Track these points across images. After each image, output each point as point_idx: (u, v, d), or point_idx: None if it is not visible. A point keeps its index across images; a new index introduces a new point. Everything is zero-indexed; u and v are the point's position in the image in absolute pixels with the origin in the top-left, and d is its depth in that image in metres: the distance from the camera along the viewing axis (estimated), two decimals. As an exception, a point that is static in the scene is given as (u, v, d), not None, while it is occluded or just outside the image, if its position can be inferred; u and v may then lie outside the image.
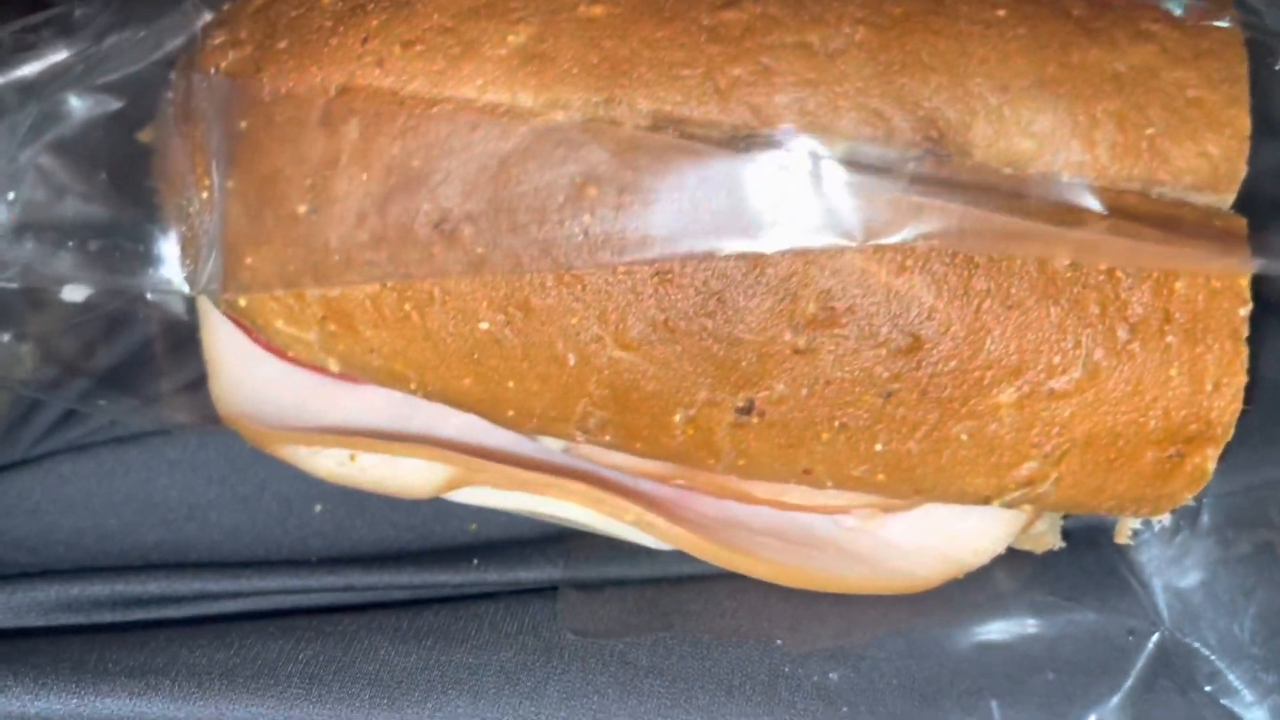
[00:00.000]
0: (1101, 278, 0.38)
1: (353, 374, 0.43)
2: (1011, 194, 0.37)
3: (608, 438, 0.42)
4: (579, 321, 0.39)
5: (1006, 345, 0.38)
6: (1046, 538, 0.48)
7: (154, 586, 0.50)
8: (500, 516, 0.54)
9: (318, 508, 0.54)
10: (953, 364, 0.38)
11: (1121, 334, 0.38)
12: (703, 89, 0.38)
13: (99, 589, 0.50)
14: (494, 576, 0.50)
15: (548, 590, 0.49)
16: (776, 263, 0.38)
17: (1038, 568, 0.49)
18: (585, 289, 0.39)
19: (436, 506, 0.55)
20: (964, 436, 0.39)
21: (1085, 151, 0.38)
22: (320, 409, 0.47)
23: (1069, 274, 0.38)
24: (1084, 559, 0.49)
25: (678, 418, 0.40)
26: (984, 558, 0.46)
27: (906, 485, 0.41)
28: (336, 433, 0.46)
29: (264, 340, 0.46)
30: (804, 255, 0.38)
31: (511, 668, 0.45)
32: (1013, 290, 0.38)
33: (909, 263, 0.38)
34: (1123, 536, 0.47)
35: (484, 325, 0.40)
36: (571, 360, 0.40)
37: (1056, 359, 0.38)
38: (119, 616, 0.50)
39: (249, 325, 0.44)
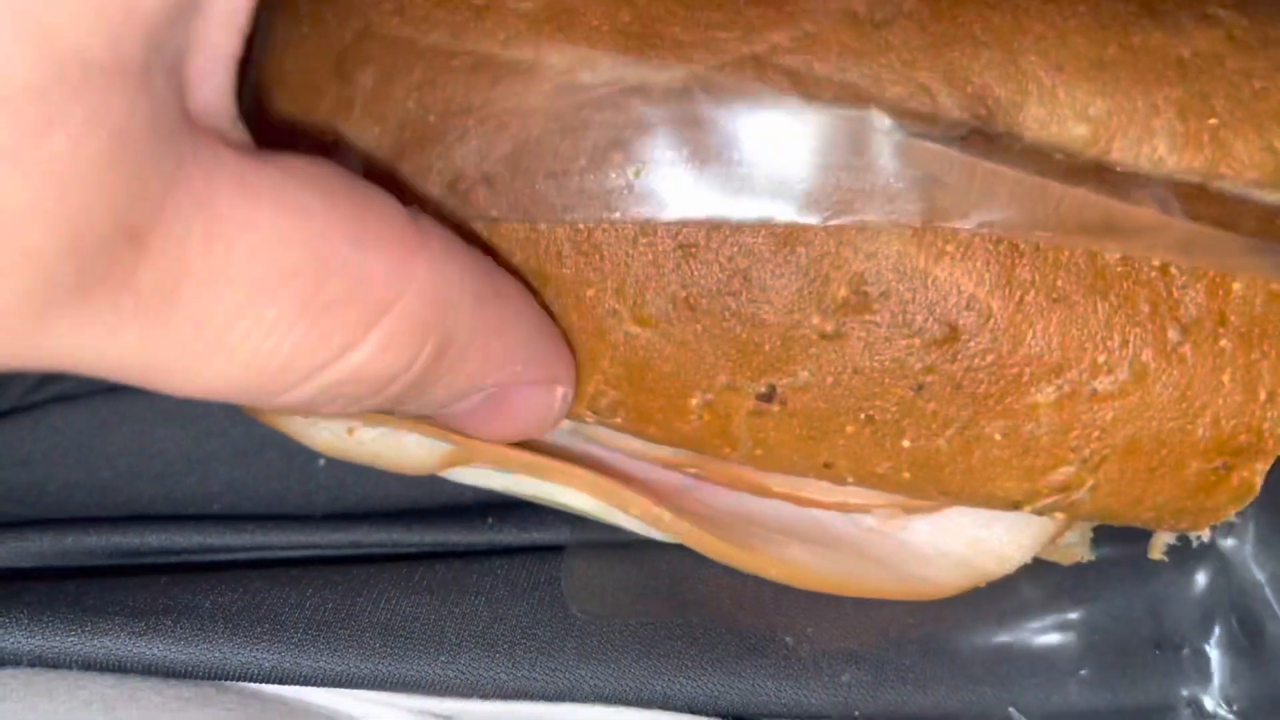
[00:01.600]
0: (1154, 274, 0.36)
1: None
2: (1066, 179, 0.35)
3: (619, 420, 0.40)
4: (595, 294, 0.37)
5: (1049, 340, 0.36)
6: (1076, 550, 0.45)
7: (153, 539, 0.48)
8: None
9: (322, 461, 0.52)
10: (990, 358, 0.36)
11: (1172, 335, 0.36)
12: (739, 53, 0.36)
13: (95, 540, 0.48)
14: (509, 537, 0.49)
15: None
16: (808, 242, 0.36)
17: (1064, 576, 0.47)
18: (604, 259, 0.37)
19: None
20: (997, 436, 0.37)
21: (1143, 140, 0.36)
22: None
23: (1120, 268, 0.36)
24: (1114, 571, 0.47)
25: (694, 402, 0.38)
26: (1008, 567, 0.43)
27: (933, 486, 0.39)
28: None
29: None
30: (837, 234, 0.36)
31: (527, 623, 0.43)
32: (1059, 282, 0.35)
33: (950, 248, 0.35)
34: (1156, 552, 0.44)
35: None
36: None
37: (1101, 358, 0.36)
38: (117, 563, 0.48)
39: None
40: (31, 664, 0.41)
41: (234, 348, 0.25)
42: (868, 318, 0.36)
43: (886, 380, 0.37)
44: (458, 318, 0.31)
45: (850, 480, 0.39)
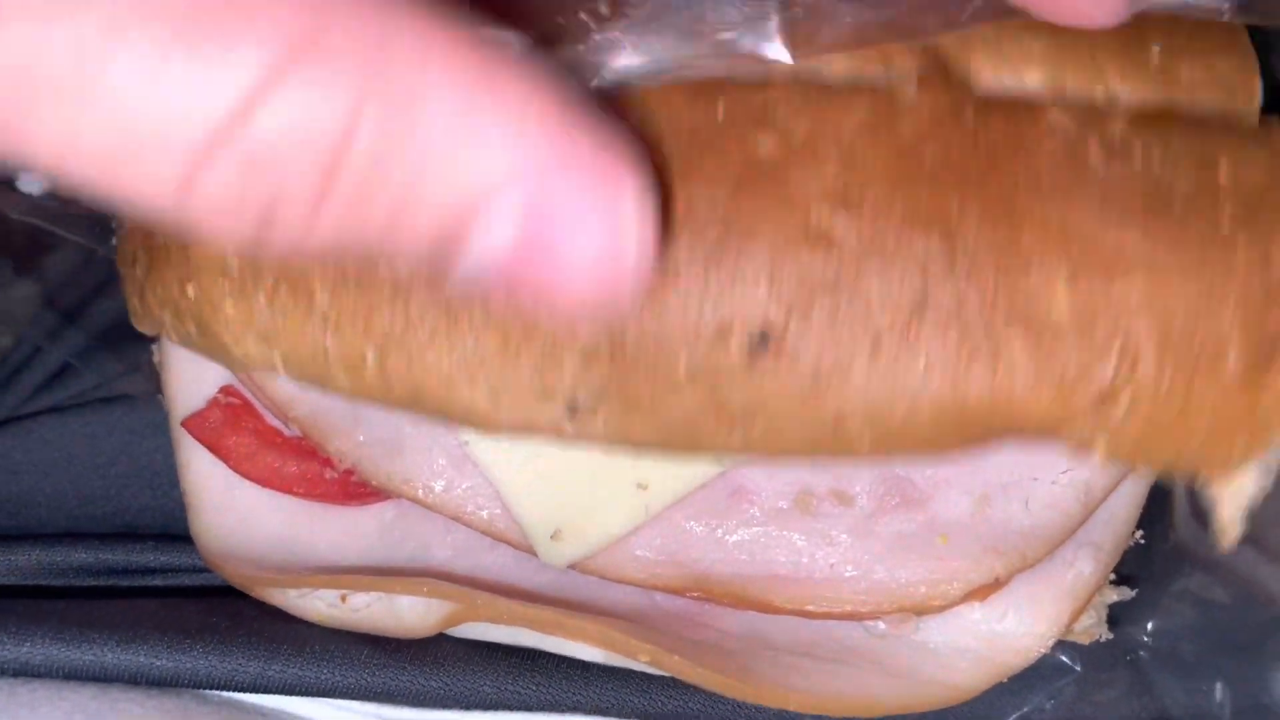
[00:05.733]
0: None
1: (301, 379, 0.37)
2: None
3: (602, 420, 0.34)
4: None
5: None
6: (1094, 629, 0.44)
7: (142, 557, 0.48)
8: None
9: None
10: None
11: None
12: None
13: (83, 555, 0.48)
14: None
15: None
16: None
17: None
18: None
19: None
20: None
21: (1095, 76, 0.35)
22: (308, 538, 0.44)
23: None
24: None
25: (682, 365, 0.33)
26: (1027, 658, 0.42)
27: (956, 431, 0.33)
28: (325, 570, 0.43)
29: (240, 463, 0.44)
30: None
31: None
32: None
33: None
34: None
35: None
36: None
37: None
38: (104, 582, 0.48)
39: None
40: (15, 674, 0.41)
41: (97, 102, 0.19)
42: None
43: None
44: (423, 70, 0.21)
45: (864, 443, 0.34)
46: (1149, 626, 0.46)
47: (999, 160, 0.33)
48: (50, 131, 0.20)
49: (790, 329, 0.33)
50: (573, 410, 0.34)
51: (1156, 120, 0.34)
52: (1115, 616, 0.45)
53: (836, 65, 0.34)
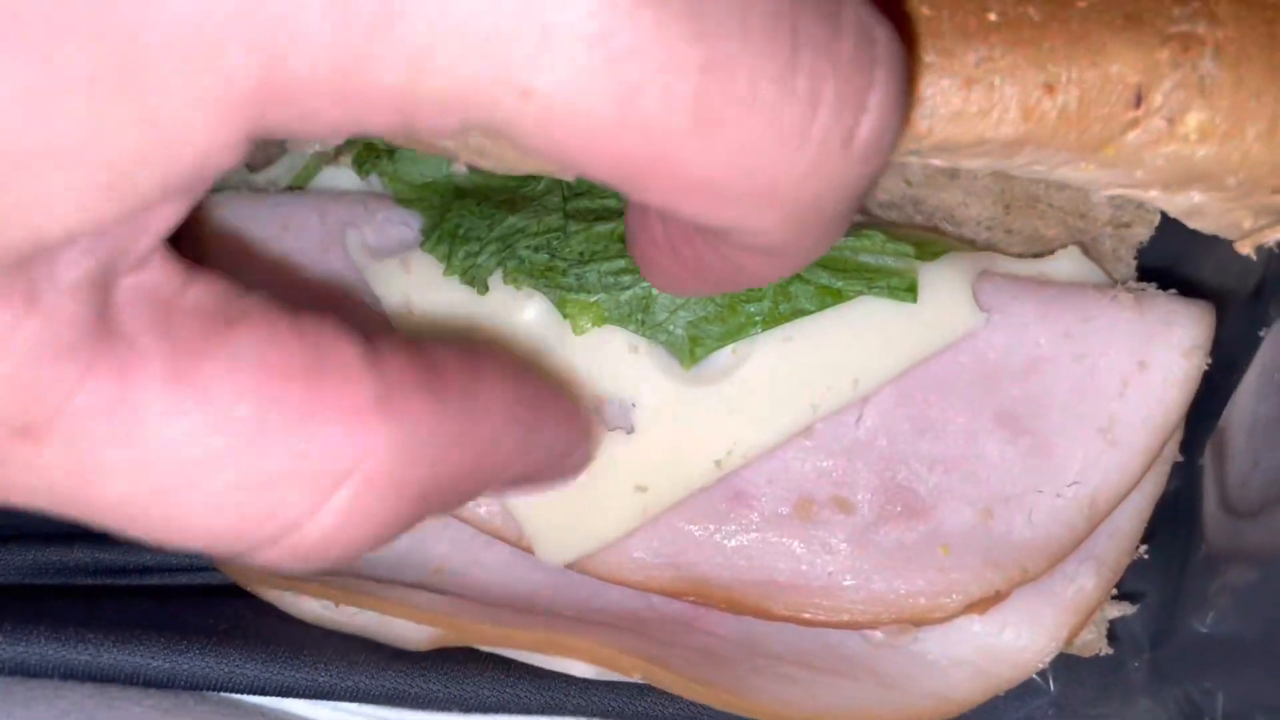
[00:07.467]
0: None
1: None
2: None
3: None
4: None
5: None
6: (1094, 644, 0.44)
7: (142, 557, 0.48)
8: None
9: None
10: None
11: None
12: None
13: (80, 555, 0.48)
14: None
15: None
16: None
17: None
18: None
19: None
20: None
21: None
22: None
23: None
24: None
25: None
26: (1025, 673, 0.42)
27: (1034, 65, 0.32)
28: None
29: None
30: None
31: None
32: None
33: None
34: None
35: None
36: None
37: None
38: (101, 582, 0.48)
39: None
40: (11, 673, 0.41)
41: (169, 518, 0.26)
42: None
43: None
44: (435, 465, 0.29)
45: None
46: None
47: None
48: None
49: None
50: None
51: None
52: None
53: None
